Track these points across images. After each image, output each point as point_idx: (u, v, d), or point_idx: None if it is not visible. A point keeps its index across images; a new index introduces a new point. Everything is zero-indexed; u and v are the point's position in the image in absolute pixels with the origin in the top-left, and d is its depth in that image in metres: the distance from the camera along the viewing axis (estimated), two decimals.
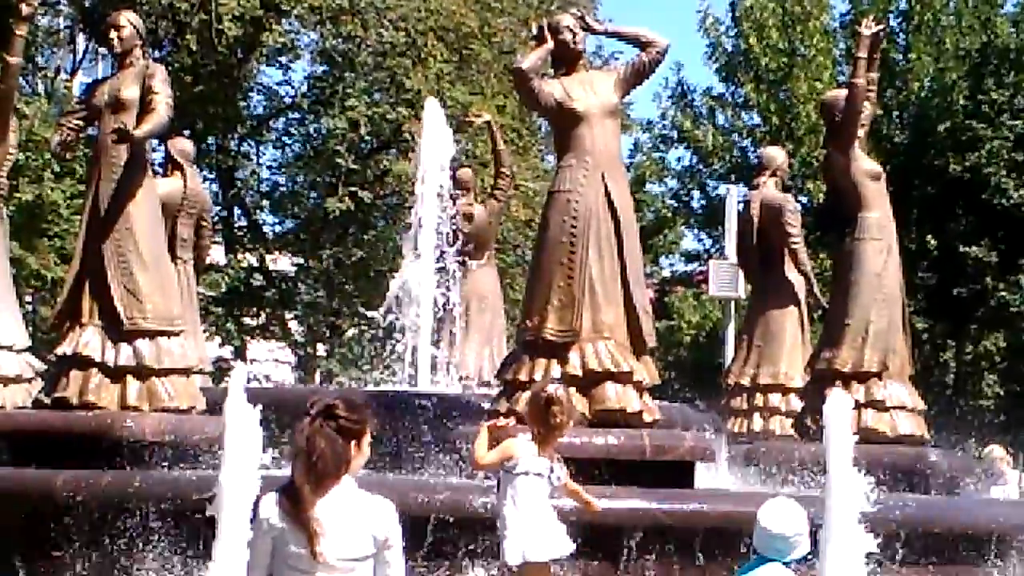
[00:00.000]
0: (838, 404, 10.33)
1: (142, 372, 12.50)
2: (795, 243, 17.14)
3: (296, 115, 36.39)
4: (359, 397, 7.85)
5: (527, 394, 10.20)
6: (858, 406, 14.63)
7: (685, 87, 45.09)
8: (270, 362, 38.39)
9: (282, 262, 36.89)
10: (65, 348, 12.58)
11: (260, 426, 9.15)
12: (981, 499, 15.77)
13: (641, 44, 12.57)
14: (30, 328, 16.83)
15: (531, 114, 30.33)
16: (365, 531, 6.82)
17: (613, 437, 11.51)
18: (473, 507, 10.28)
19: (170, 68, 17.60)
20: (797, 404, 16.02)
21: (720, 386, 18.28)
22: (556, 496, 9.02)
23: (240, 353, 35.20)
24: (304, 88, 35.96)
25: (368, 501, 6.94)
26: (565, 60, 12.51)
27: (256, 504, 7.03)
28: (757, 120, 43.91)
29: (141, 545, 10.66)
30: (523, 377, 11.78)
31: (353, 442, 6.71)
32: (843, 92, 15.54)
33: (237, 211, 36.87)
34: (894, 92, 40.90)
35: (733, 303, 30.37)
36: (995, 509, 14.43)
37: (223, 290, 33.23)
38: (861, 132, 15.24)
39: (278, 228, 38.02)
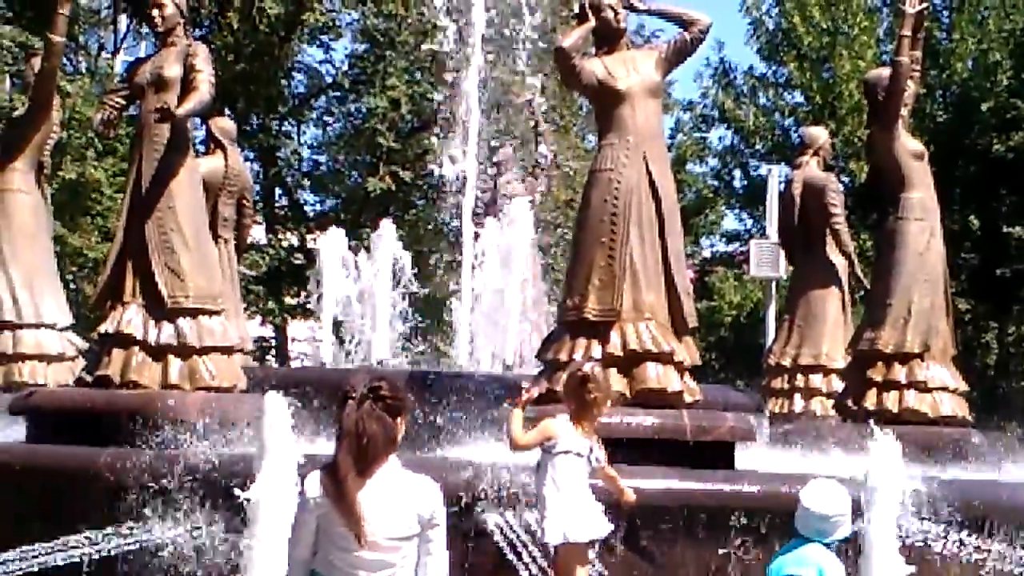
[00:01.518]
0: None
1: (184, 351, 12.54)
2: (837, 223, 17.10)
3: (337, 94, 36.50)
4: (399, 377, 7.87)
5: (566, 373, 10.21)
6: (900, 387, 14.68)
7: (727, 66, 44.98)
8: (310, 341, 38.57)
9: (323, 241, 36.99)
10: (107, 327, 12.63)
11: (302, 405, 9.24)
12: None
13: (683, 23, 12.54)
14: (72, 307, 16.94)
15: (572, 93, 30.32)
16: (410, 510, 6.85)
17: (654, 417, 11.50)
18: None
19: (212, 47, 17.65)
20: (838, 385, 16.00)
21: (761, 367, 18.29)
22: (593, 477, 9.03)
23: (281, 332, 35.37)
24: (345, 67, 36.10)
25: (413, 480, 6.97)
26: (607, 38, 12.49)
27: (302, 482, 7.07)
28: (799, 99, 43.78)
29: (182, 523, 10.73)
30: (563, 357, 11.76)
31: (398, 419, 6.76)
32: (886, 71, 15.50)
33: (278, 190, 37.05)
34: (937, 71, 40.69)
35: (774, 283, 30.39)
36: None
37: (264, 269, 33.35)
38: (904, 111, 15.20)
39: (319, 207, 38.16)
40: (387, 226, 20.71)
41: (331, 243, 20.13)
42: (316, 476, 6.89)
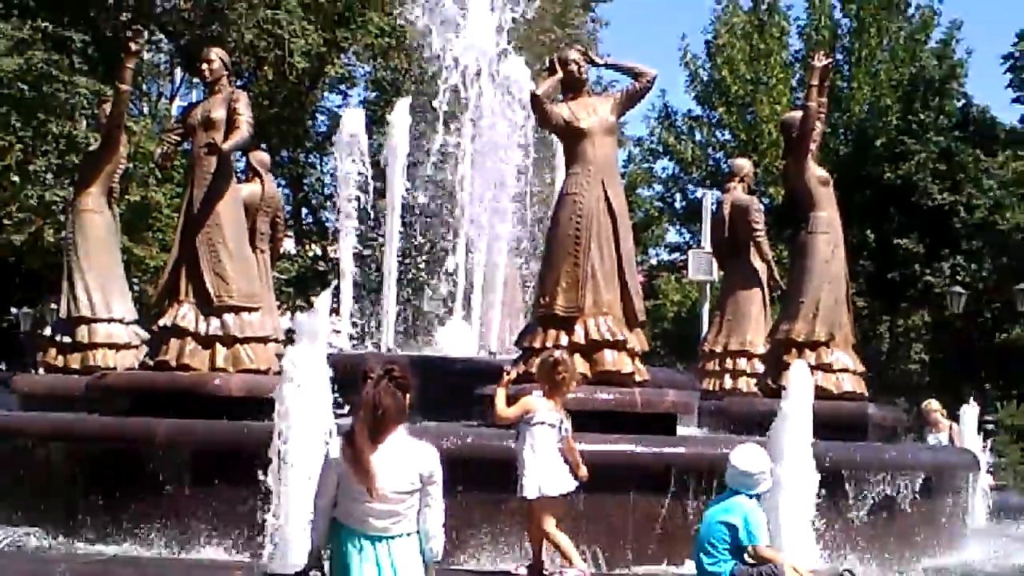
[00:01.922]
0: (799, 371, 10.44)
1: (228, 340, 12.52)
2: (759, 237, 17.11)
3: None
4: (404, 361, 7.87)
5: (539, 359, 10.21)
6: (810, 368, 14.68)
7: (669, 110, 45.23)
8: (331, 334, 38.39)
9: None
10: (166, 321, 12.61)
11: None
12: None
13: (634, 74, 12.53)
14: (137, 304, 16.87)
15: (544, 131, 30.25)
16: (413, 469, 6.85)
17: (611, 394, 11.50)
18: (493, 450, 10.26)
19: (250, 94, 17.55)
20: (760, 367, 16.01)
21: (697, 353, 18.29)
22: (561, 444, 9.01)
23: None
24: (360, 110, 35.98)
25: (416, 445, 6.97)
26: (572, 87, 12.45)
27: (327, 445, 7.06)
28: (728, 136, 43.99)
29: (226, 484, 10.70)
30: (537, 344, 11.74)
31: (407, 395, 6.76)
32: (798, 113, 15.51)
33: (304, 210, 36.95)
34: (839, 113, 40.90)
35: (708, 285, 30.40)
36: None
37: (293, 274, 33.27)
38: (813, 146, 15.20)
39: (337, 224, 38.03)
40: (401, 109, 19.71)
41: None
42: (339, 441, 6.89)
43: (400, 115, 19.34)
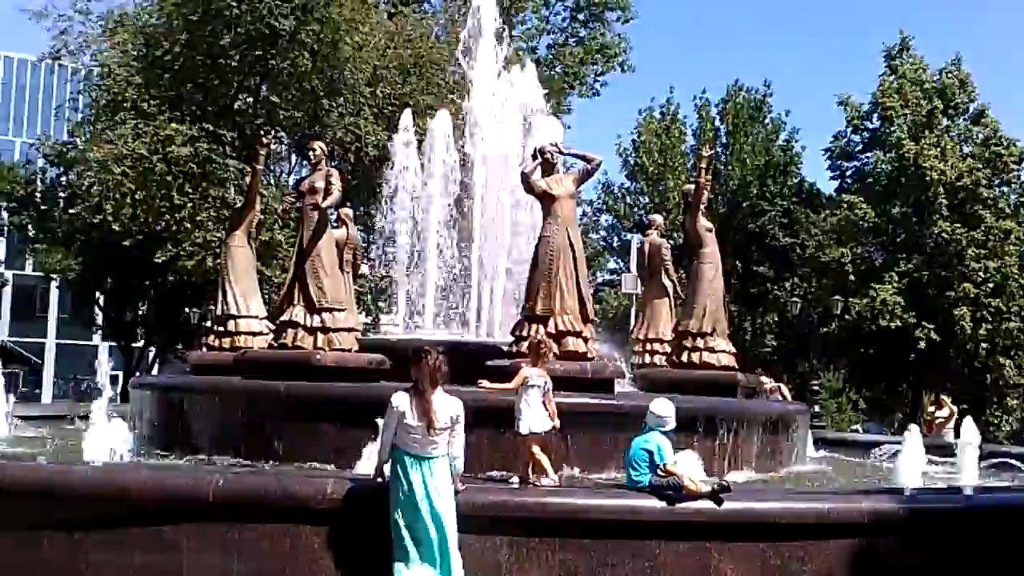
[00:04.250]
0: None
1: (325, 330, 12.51)
2: (667, 265, 17.05)
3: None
4: (439, 345, 7.85)
5: (526, 342, 10.17)
6: (700, 350, 14.67)
7: (609, 181, 45.26)
8: (395, 325, 38.17)
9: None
10: (284, 317, 12.60)
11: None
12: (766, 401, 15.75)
13: (587, 159, 12.52)
14: (266, 306, 16.81)
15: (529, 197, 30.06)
16: (448, 413, 6.85)
17: (571, 365, 11.46)
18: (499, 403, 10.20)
19: (339, 170, 17.48)
20: (668, 349, 15.97)
21: (627, 340, 18.24)
22: (544, 400, 8.96)
23: (375, 321, 35.16)
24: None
25: (449, 398, 6.97)
26: (547, 168, 12.45)
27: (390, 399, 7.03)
28: (646, 200, 44.01)
29: (324, 426, 10.66)
30: (525, 333, 11.74)
31: (444, 366, 6.79)
32: (692, 186, 15.53)
33: (374, 246, 36.80)
34: (720, 184, 40.98)
35: (635, 296, 30.29)
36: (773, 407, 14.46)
37: (367, 288, 33.17)
38: (702, 206, 15.22)
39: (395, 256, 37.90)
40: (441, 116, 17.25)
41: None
42: (399, 394, 6.88)
43: (440, 121, 17.68)
